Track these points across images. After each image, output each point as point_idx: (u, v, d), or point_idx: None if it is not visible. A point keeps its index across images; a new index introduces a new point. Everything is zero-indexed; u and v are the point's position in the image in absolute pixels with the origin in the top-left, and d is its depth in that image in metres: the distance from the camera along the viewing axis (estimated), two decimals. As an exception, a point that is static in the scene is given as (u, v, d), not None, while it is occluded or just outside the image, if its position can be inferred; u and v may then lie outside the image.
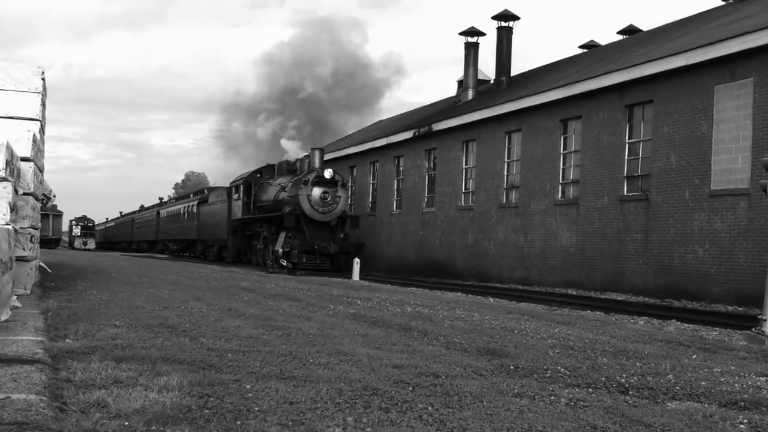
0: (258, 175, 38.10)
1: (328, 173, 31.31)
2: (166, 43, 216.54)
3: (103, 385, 5.16)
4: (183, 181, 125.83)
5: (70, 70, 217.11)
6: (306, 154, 35.37)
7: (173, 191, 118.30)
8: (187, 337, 7.40)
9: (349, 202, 35.86)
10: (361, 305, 11.84)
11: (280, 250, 30.13)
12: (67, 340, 6.91)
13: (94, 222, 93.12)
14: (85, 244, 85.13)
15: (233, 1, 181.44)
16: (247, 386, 5.30)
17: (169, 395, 4.94)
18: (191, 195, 57.29)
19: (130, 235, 78.22)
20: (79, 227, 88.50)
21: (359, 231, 33.99)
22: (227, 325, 8.43)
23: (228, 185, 41.91)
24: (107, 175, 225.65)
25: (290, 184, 32.58)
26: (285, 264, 30.27)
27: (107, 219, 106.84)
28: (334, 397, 5.12)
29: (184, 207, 52.93)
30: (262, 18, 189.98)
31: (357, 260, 27.15)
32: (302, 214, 30.82)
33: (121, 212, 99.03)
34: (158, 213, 64.05)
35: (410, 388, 5.52)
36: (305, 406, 4.87)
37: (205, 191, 49.99)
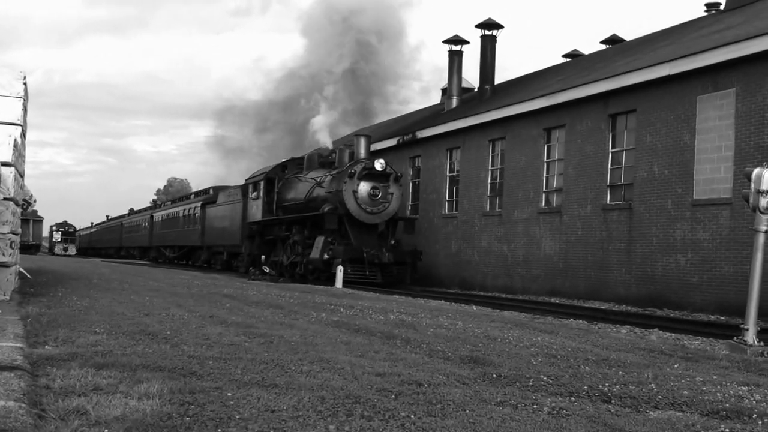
0: (282, 170, 32.42)
1: (379, 164, 26.02)
2: (148, 48, 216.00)
3: (82, 392, 5.12)
4: (165, 187, 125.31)
5: (52, 75, 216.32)
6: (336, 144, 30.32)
7: (155, 197, 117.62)
8: (168, 344, 7.35)
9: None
10: (344, 313, 11.81)
11: (320, 257, 25.31)
12: (46, 346, 6.84)
13: (75, 228, 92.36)
14: (65, 250, 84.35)
15: (216, 8, 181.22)
16: (229, 394, 5.26)
17: (149, 403, 4.90)
18: (191, 196, 51.85)
19: (119, 241, 73.69)
20: (60, 233, 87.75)
21: (410, 238, 28.65)
22: (209, 333, 8.37)
23: (243, 183, 36.45)
24: (89, 180, 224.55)
25: (328, 178, 27.41)
26: (267, 271, 29.00)
27: (92, 224, 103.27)
28: (316, 405, 5.09)
29: (184, 209, 47.41)
30: (245, 24, 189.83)
31: (340, 267, 24.57)
32: (346, 214, 25.92)
33: (107, 216, 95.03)
34: (152, 217, 58.90)
35: (393, 396, 5.49)
36: (287, 414, 4.84)
37: (210, 191, 44.44)
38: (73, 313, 9.61)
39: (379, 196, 26.12)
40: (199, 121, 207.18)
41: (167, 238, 52.24)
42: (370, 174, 26.06)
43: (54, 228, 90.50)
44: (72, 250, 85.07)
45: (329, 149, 30.84)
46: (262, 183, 32.28)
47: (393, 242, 26.41)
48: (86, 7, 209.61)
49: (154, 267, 39.28)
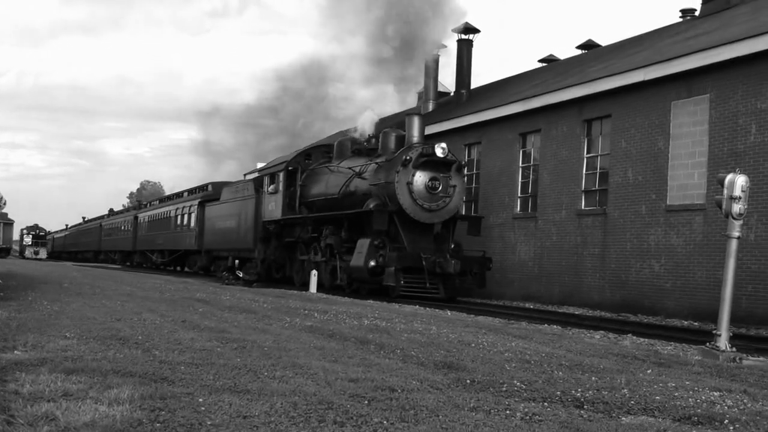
0: (305, 159, 27.31)
1: (440, 149, 20.82)
2: (123, 50, 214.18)
3: (52, 397, 5.08)
4: (138, 190, 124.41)
5: (24, 77, 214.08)
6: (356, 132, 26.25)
7: (128, 200, 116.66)
8: (140, 349, 7.29)
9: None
10: (318, 318, 11.77)
11: (364, 265, 20.19)
12: (16, 351, 6.77)
13: (46, 231, 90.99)
14: (36, 253, 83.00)
15: (192, 10, 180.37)
16: (200, 399, 5.23)
17: (119, 408, 4.87)
18: (185, 194, 44.91)
19: (98, 244, 68.54)
20: (31, 236, 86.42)
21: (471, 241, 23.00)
22: (181, 338, 8.31)
23: (257, 175, 31.81)
24: (61, 183, 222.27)
25: (372, 167, 22.52)
26: (241, 275, 27.28)
27: (67, 226, 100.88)
28: (288, 410, 5.07)
29: (177, 209, 41.84)
30: (221, 26, 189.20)
31: (314, 272, 22.89)
32: (398, 211, 20.95)
33: (84, 217, 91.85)
34: (136, 218, 53.45)
35: (366, 401, 5.48)
36: (259, 420, 4.81)
37: (209, 188, 39.23)
38: (43, 317, 9.53)
39: (440, 188, 21.21)
40: (173, 124, 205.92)
41: (155, 241, 46.79)
42: (429, 162, 21.06)
43: (24, 231, 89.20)
44: (43, 254, 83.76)
45: (368, 134, 25.56)
46: (281, 174, 26.87)
47: (453, 246, 21.69)
48: (59, 8, 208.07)
49: (126, 272, 38.69)
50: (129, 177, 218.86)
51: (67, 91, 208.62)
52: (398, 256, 20.18)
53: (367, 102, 29.79)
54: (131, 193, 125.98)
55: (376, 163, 22.32)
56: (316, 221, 24.70)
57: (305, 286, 23.43)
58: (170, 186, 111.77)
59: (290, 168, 26.75)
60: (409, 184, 20.85)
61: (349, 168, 23.59)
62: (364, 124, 26.94)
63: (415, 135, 22.09)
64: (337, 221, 23.41)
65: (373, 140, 24.42)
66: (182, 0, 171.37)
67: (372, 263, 20.15)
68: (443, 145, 21.09)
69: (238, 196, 31.45)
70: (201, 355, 7.13)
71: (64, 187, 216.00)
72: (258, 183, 29.49)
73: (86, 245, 76.34)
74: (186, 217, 39.89)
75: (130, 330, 8.75)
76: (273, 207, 27.42)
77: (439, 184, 21.16)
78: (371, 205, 21.24)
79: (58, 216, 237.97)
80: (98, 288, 17.41)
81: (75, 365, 6.18)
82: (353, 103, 31.90)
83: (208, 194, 37.79)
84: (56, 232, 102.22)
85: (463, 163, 22.56)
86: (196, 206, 37.98)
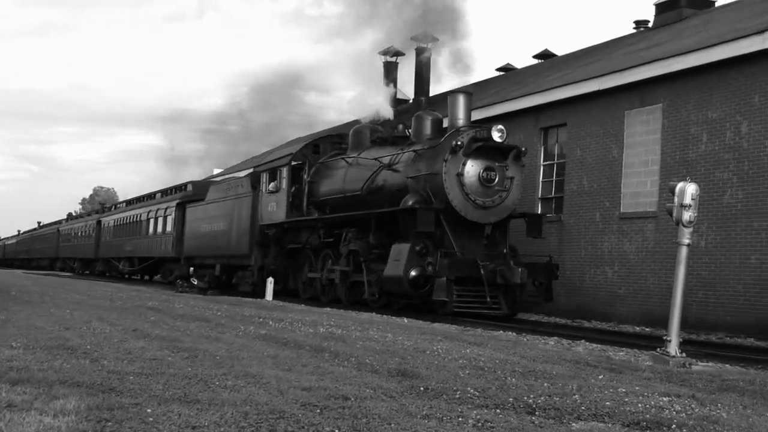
0: (313, 152, 23.36)
1: (498, 133, 17.18)
2: (76, 54, 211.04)
3: (-7, 409, 4.96)
4: (91, 196, 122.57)
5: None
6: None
7: (80, 207, 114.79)
8: (88, 359, 7.17)
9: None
10: (272, 326, 11.69)
11: (404, 275, 16.55)
12: (-42, 362, 6.62)
13: None
14: None
15: (147, 13, 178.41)
16: (148, 410, 5.16)
17: (65, 420, 4.80)
18: (158, 195, 40.82)
19: (55, 251, 64.09)
20: None
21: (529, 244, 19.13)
22: (131, 347, 8.19)
23: (252, 171, 27.89)
24: (10, 189, 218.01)
25: (405, 156, 18.82)
26: (196, 283, 26.19)
27: (19, 232, 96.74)
28: (239, 420, 5.03)
29: (149, 212, 37.90)
30: (177, 30, 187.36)
31: (270, 279, 21.65)
32: (446, 209, 17.22)
33: (39, 222, 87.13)
34: (99, 222, 49.22)
35: (318, 410, 5.45)
36: (208, 431, 4.76)
37: (188, 187, 35.22)
38: (-10, 326, 9.33)
39: (495, 181, 17.55)
40: (128, 130, 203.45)
41: (122, 248, 42.36)
42: (482, 148, 17.37)
43: None
44: None
45: (399, 123, 21.65)
46: (285, 170, 23.09)
47: (506, 251, 17.83)
48: (11, 11, 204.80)
49: (77, 279, 37.78)
50: (81, 183, 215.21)
51: (19, 96, 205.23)
52: (450, 264, 16.44)
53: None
54: (83, 199, 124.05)
55: (414, 151, 18.54)
56: (331, 224, 20.85)
57: (315, 300, 20.79)
58: (124, 192, 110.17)
59: (297, 162, 23.00)
60: (460, 175, 17.13)
61: (375, 159, 19.74)
62: (381, 110, 24.21)
63: (461, 117, 18.29)
64: (361, 223, 19.57)
65: (401, 126, 20.88)
66: (140, 3, 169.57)
67: (413, 273, 16.54)
68: (500, 127, 17.42)
69: (230, 194, 27.42)
70: (151, 364, 7.04)
71: (15, 192, 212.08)
72: (255, 180, 25.49)
73: (42, 252, 71.87)
74: (161, 220, 35.66)
75: (79, 339, 8.61)
76: (274, 208, 23.48)
77: (495, 176, 17.52)
78: (410, 202, 17.44)
79: (11, 222, 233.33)
80: (48, 296, 17.13)
81: (20, 375, 6.06)
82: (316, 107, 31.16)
83: (187, 195, 33.91)
84: (7, 238, 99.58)
85: (524, 149, 18.49)
86: (173, 208, 33.83)
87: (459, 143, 17.13)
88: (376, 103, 24.40)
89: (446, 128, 18.61)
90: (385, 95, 25.30)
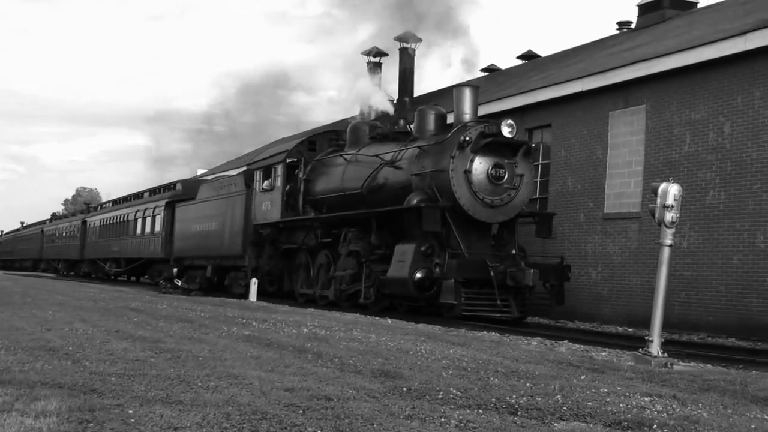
0: (309, 149, 22.64)
1: (508, 128, 16.34)
2: (58, 54, 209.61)
3: (-27, 411, 4.93)
4: (74, 197, 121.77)
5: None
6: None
7: (63, 207, 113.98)
8: (70, 360, 7.14)
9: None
10: (256, 327, 11.67)
11: (409, 276, 15.91)
12: (-62, 363, 6.58)
13: None
14: None
15: (129, 12, 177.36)
16: (130, 411, 5.15)
17: (46, 421, 4.78)
18: (146, 194, 39.68)
19: (39, 252, 62.93)
20: None
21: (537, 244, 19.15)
22: (113, 348, 8.17)
23: (245, 168, 27.19)
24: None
25: (408, 152, 18.02)
26: (180, 284, 25.94)
27: (2, 232, 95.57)
28: (221, 421, 5.02)
29: (137, 211, 37.02)
30: (159, 29, 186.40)
31: (254, 280, 21.35)
32: (453, 207, 16.47)
33: (22, 222, 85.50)
34: (84, 222, 48.21)
35: (301, 411, 5.45)
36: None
37: (177, 186, 34.30)
38: (-30, 328, 9.27)
39: (505, 178, 16.79)
40: (111, 129, 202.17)
41: (109, 248, 41.47)
42: (491, 144, 16.56)
43: None
44: None
45: (399, 117, 20.98)
46: (279, 168, 22.40)
47: (514, 251, 17.11)
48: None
49: (58, 280, 37.56)
50: (63, 184, 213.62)
51: (1, 96, 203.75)
52: (458, 265, 15.72)
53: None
54: (66, 200, 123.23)
55: (418, 147, 17.72)
56: (328, 224, 20.20)
57: (312, 303, 20.07)
58: (107, 192, 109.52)
59: (292, 159, 22.32)
60: (467, 172, 16.39)
61: (376, 156, 18.93)
62: (379, 105, 23.14)
63: (467, 112, 17.41)
64: (361, 223, 18.88)
65: (402, 121, 20.05)
66: (122, 2, 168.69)
67: (419, 274, 15.95)
68: (510, 121, 16.62)
69: (222, 193, 26.67)
70: (133, 365, 7.02)
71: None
72: (248, 178, 24.80)
73: (24, 253, 70.45)
74: (149, 220, 34.70)
75: (61, 340, 8.57)
76: (268, 207, 22.79)
77: (505, 173, 16.73)
78: (414, 200, 16.79)
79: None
80: (29, 297, 17.03)
81: (1, 377, 6.04)
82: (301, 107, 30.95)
83: (176, 194, 32.92)
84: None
85: (533, 144, 17.92)
86: (162, 207, 32.83)
87: (467, 139, 16.44)
88: (375, 101, 23.59)
89: (451, 124, 17.88)
90: (382, 92, 24.47)
